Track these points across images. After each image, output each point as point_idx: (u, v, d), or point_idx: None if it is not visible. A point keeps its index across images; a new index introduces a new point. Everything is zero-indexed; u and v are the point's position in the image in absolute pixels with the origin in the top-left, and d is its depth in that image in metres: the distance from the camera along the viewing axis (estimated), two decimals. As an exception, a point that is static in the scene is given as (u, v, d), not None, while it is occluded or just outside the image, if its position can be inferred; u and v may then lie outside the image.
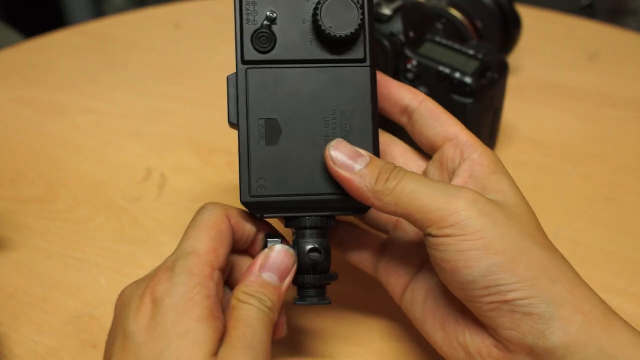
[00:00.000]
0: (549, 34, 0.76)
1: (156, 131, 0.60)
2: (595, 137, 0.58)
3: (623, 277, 0.43)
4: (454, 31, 0.55)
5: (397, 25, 0.49)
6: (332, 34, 0.31)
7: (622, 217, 0.49)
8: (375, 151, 0.33)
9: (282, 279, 0.31)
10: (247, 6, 0.32)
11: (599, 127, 0.59)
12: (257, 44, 0.32)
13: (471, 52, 0.49)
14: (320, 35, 0.32)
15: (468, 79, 0.47)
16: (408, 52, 0.49)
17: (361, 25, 0.32)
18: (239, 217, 0.33)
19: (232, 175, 0.54)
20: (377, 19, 0.49)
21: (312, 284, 0.33)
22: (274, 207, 0.32)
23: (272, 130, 0.32)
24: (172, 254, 0.31)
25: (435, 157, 0.35)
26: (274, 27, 0.32)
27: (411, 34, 0.49)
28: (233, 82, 0.32)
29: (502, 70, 0.50)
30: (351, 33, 0.32)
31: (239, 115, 0.32)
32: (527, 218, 0.31)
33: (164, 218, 0.49)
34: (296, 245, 0.33)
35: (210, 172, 0.54)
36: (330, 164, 0.31)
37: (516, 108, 0.62)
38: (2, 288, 0.43)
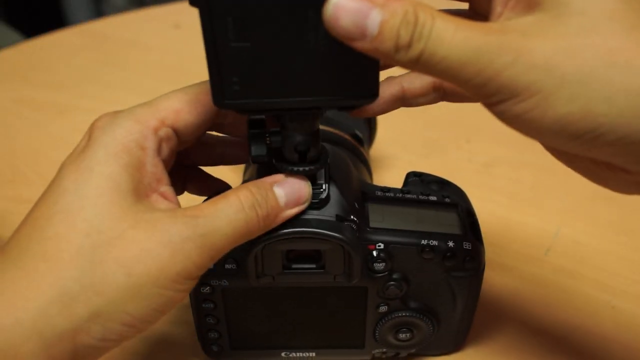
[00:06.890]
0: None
1: (156, 131, 0.60)
2: (595, 137, 0.58)
3: (623, 276, 0.43)
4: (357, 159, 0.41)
5: (333, 209, 0.31)
6: None
7: (622, 217, 0.49)
8: None
9: (289, 205, 0.29)
10: None
11: (599, 127, 0.59)
12: None
13: (425, 197, 0.34)
14: None
15: (466, 244, 0.32)
16: (365, 235, 0.31)
17: None
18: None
19: (232, 175, 0.53)
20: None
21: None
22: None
23: None
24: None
25: None
26: None
27: (356, 205, 0.32)
28: None
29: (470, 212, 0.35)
30: None
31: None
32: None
33: (164, 218, 0.49)
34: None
35: (210, 172, 0.54)
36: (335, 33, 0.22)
37: (516, 108, 0.62)
38: (2, 288, 0.43)
